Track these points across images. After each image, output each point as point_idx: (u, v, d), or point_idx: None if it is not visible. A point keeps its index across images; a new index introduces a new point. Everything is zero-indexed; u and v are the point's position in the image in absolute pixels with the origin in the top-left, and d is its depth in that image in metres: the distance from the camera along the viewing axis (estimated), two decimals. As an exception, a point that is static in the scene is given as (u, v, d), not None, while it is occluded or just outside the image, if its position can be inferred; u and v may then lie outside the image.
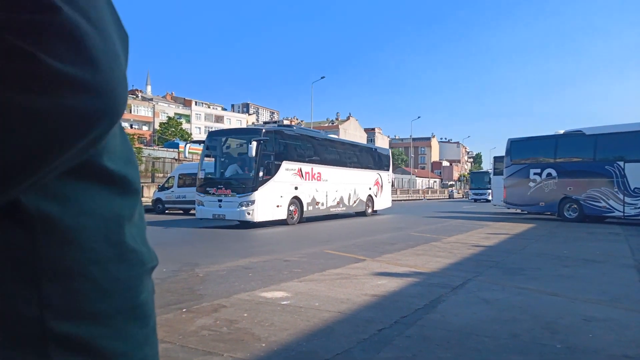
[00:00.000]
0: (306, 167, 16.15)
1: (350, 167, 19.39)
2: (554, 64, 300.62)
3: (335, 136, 23.32)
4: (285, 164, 14.93)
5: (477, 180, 46.88)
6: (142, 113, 78.42)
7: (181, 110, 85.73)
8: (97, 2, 0.49)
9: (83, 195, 0.54)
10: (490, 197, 40.59)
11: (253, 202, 13.44)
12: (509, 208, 21.06)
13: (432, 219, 19.10)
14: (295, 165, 15.52)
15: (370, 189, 20.85)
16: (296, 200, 15.58)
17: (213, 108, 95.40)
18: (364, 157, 21.16)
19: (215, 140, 15.05)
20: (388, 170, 23.13)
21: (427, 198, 59.83)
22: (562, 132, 18.58)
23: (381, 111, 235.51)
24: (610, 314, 4.52)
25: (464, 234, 12.62)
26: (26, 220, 0.50)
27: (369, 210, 20.78)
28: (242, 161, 14.40)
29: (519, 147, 19.63)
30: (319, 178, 16.92)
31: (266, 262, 7.54)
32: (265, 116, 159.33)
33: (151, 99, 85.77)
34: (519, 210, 21.16)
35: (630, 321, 4.29)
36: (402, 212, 24.98)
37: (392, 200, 40.63)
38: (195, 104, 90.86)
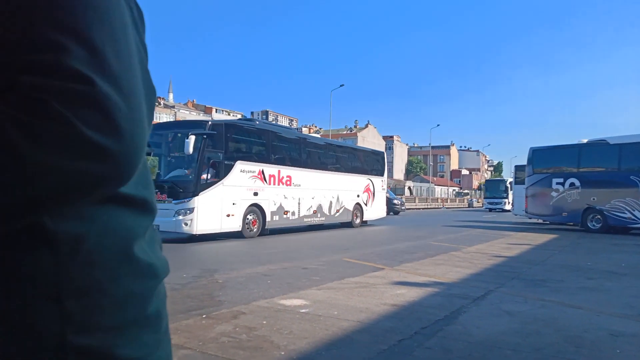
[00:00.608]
0: (270, 169, 13.83)
1: (332, 170, 17.02)
2: (576, 73, 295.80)
3: (318, 135, 22.04)
4: (240, 165, 12.62)
5: (493, 188, 44.81)
6: (164, 120, 79.63)
7: (202, 117, 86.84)
8: (130, 68, 0.54)
9: (104, 218, 0.59)
10: (507, 206, 39.53)
11: (192, 210, 11.11)
12: (530, 218, 20.70)
13: (451, 227, 18.89)
14: (255, 167, 13.20)
15: (358, 196, 18.30)
16: (256, 209, 13.21)
17: (233, 115, 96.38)
18: (350, 159, 18.64)
19: (158, 135, 12.40)
20: (382, 175, 20.37)
21: (447, 207, 59.22)
22: (585, 141, 18.23)
23: (400, 119, 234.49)
24: (639, 329, 4.39)
25: (484, 243, 12.44)
26: (51, 242, 0.55)
27: (357, 221, 18.19)
28: (183, 161, 11.95)
29: (541, 156, 19.31)
30: (288, 182, 14.56)
31: (285, 269, 7.55)
32: (284, 123, 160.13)
33: (173, 106, 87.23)
34: (540, 221, 20.78)
35: (659, 337, 4.15)
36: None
37: (411, 209, 39.61)
38: (216, 112, 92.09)
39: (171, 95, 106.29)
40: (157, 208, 0.70)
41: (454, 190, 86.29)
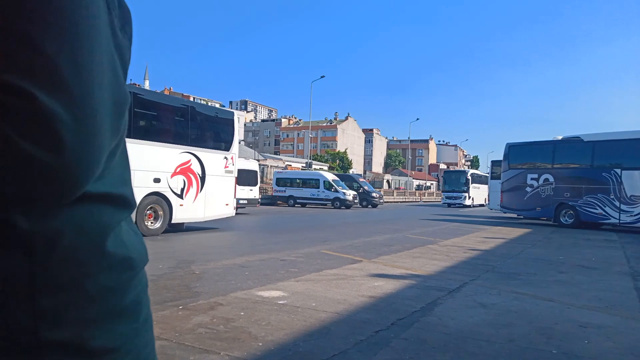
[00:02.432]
0: None
1: None
2: (554, 71, 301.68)
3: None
4: None
5: (452, 181, 39.22)
6: (140, 108, 78.25)
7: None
8: (91, 78, 0.52)
9: (80, 216, 0.59)
10: (467, 201, 37.28)
11: None
12: (505, 212, 21.11)
13: (428, 221, 19.13)
14: None
15: (159, 181, 10.74)
16: None
17: (211, 104, 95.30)
18: (150, 118, 11.33)
19: None
20: (228, 149, 12.87)
21: (424, 200, 59.91)
22: (560, 137, 18.64)
23: (380, 112, 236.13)
24: (606, 320, 4.54)
25: (460, 237, 12.65)
26: (25, 242, 0.55)
27: (155, 225, 10.79)
28: None
29: (517, 152, 19.68)
30: None
31: (263, 261, 7.53)
32: (263, 114, 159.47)
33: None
34: (515, 215, 21.22)
35: (626, 328, 4.30)
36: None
37: (389, 202, 38.70)
38: (194, 100, 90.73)
39: (147, 82, 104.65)
40: (134, 202, 0.70)
41: (418, 184, 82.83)
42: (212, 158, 12.14)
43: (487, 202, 38.64)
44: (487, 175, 41.25)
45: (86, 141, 0.51)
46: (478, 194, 39.69)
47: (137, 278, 0.69)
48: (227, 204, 12.74)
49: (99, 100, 0.53)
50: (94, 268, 0.60)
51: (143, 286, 0.71)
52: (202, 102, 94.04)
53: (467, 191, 37.68)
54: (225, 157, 12.71)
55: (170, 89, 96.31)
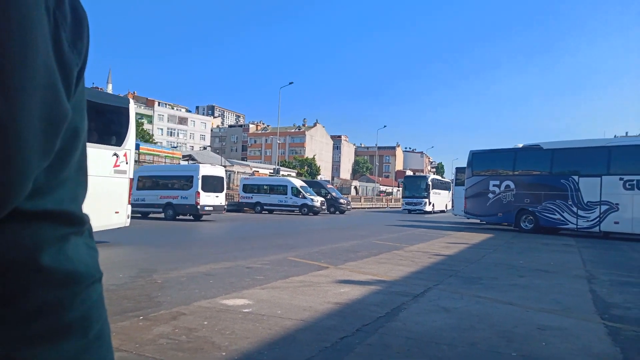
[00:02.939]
0: None
1: None
2: (516, 80, 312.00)
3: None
4: None
5: (412, 186, 38.36)
6: (102, 113, 76.27)
7: (143, 110, 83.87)
8: (12, 98, 0.49)
9: (10, 233, 0.57)
10: (427, 207, 36.25)
11: None
12: (469, 218, 21.61)
13: (395, 227, 19.35)
14: None
15: None
16: None
17: (177, 109, 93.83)
18: None
19: None
20: (120, 144, 10.58)
21: (390, 206, 60.59)
22: (520, 145, 19.26)
23: (348, 119, 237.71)
24: (563, 323, 4.69)
25: (425, 242, 12.84)
26: None
27: None
28: None
29: (480, 159, 20.21)
30: None
31: (228, 268, 7.43)
32: (230, 119, 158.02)
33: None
34: (478, 221, 21.74)
35: (582, 330, 4.46)
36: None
37: (356, 208, 37.92)
38: (159, 105, 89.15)
39: (110, 86, 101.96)
40: (86, 218, 0.69)
41: (379, 190, 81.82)
42: (95, 154, 9.72)
43: (447, 209, 39.08)
44: (449, 181, 41.98)
45: (3, 166, 0.50)
46: (439, 200, 39.36)
47: (85, 293, 0.66)
48: (117, 212, 10.38)
49: (24, 121, 0.51)
50: (28, 284, 0.58)
51: (94, 301, 0.68)
52: (168, 106, 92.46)
53: (428, 197, 36.94)
54: (116, 154, 10.36)
55: (134, 93, 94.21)
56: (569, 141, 17.78)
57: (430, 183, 37.53)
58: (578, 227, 16.70)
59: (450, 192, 39.31)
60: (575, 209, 16.67)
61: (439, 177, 43.90)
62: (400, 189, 45.84)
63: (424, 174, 49.51)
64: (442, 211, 40.10)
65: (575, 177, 16.74)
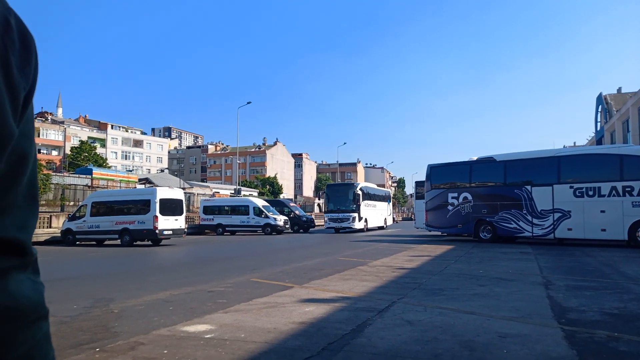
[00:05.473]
0: None
1: None
2: (470, 95, 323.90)
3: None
4: None
5: (337, 198, 29.96)
6: (51, 137, 73.67)
7: (95, 134, 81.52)
8: None
9: None
10: (357, 224, 29.05)
11: None
12: (430, 231, 21.98)
13: (359, 242, 19.44)
14: None
15: None
16: None
17: (132, 132, 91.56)
18: None
19: None
20: None
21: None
22: (475, 158, 19.88)
23: (308, 137, 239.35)
24: (522, 329, 4.80)
25: (389, 257, 12.95)
26: None
27: None
28: None
29: (437, 173, 20.71)
30: None
31: (189, 293, 7.22)
32: (188, 140, 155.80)
33: (62, 122, 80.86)
34: (440, 233, 22.14)
35: (540, 336, 4.58)
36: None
37: (321, 225, 36.37)
38: (112, 128, 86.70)
39: (60, 110, 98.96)
40: (33, 250, 0.65)
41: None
42: None
43: (387, 224, 35.74)
44: (388, 190, 41.40)
45: None
46: (373, 213, 32.34)
47: (29, 331, 0.62)
48: None
49: None
50: None
51: (38, 340, 0.64)
52: (122, 129, 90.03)
53: (357, 210, 29.27)
54: None
55: (86, 116, 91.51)
56: (520, 152, 18.50)
57: (359, 192, 29.77)
58: (534, 234, 17.30)
59: (390, 204, 37.74)
60: (530, 218, 17.28)
61: (372, 186, 35.63)
62: (322, 201, 37.19)
63: (352, 182, 38.24)
64: (381, 227, 34.15)
65: (529, 187, 17.40)
